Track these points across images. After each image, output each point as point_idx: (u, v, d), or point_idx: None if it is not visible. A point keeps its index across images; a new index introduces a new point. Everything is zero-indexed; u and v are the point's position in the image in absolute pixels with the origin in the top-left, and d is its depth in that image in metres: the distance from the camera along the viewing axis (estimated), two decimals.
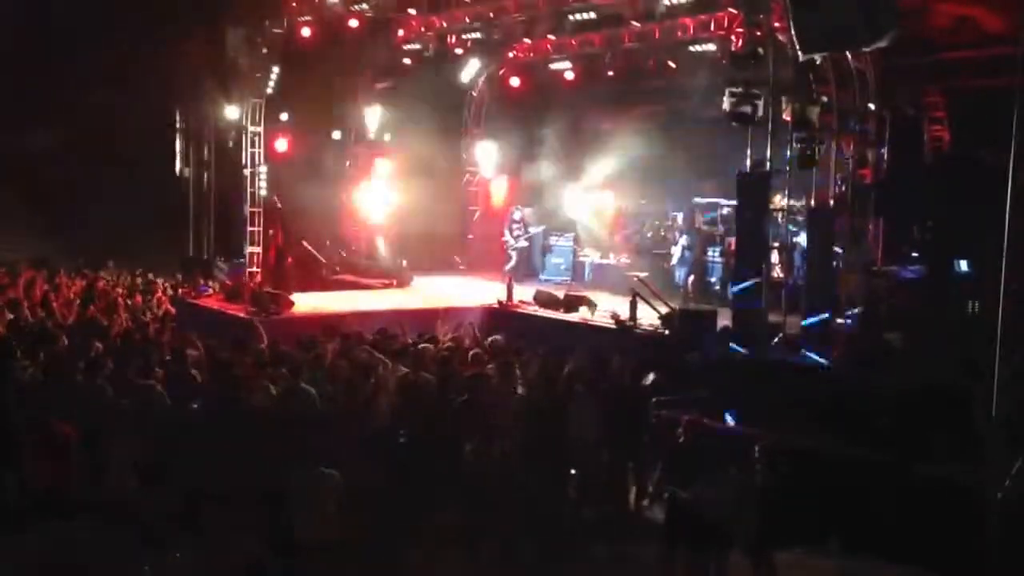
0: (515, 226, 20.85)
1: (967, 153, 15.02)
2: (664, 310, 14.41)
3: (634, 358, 11.33)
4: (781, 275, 15.63)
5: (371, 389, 9.78)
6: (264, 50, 17.20)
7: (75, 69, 19.44)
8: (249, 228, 17.41)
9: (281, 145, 17.80)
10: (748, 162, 13.87)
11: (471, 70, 20.95)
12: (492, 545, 8.14)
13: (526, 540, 8.14)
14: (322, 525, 7.56)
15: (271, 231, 17.86)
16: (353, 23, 18.37)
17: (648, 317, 14.46)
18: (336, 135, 21.12)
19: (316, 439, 8.04)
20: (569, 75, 20.07)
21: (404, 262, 19.73)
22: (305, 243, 19.64)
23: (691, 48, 17.06)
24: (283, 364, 10.07)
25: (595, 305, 15.79)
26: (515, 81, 21.10)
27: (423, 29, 19.40)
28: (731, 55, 14.76)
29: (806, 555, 8.35)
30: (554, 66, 20.07)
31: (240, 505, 8.52)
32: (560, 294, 16.37)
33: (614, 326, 14.51)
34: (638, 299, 14.64)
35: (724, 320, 13.69)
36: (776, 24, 13.56)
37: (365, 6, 18.22)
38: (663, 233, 20.14)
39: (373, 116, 20.21)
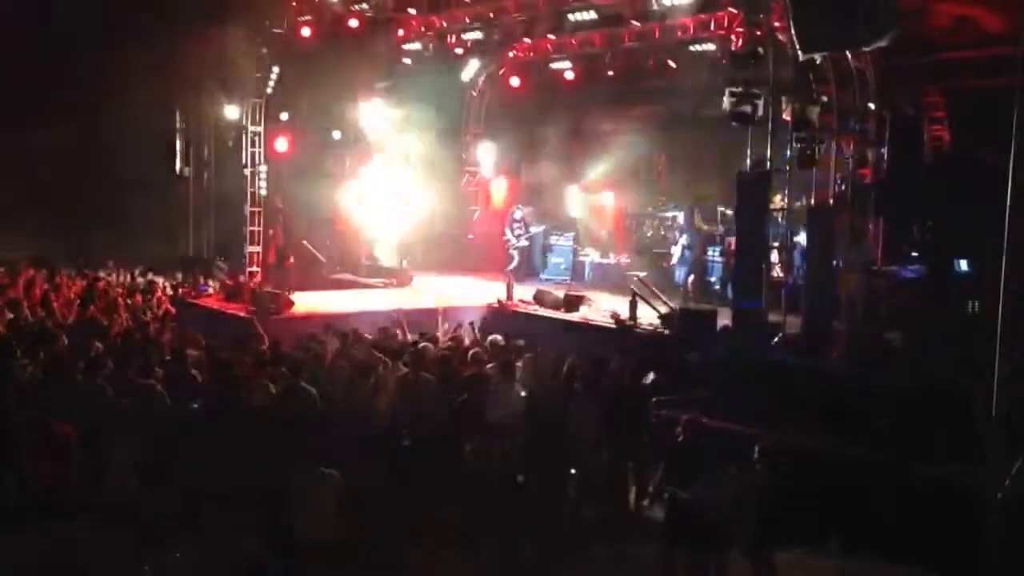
0: (516, 225, 20.86)
1: (967, 153, 15.02)
2: (664, 310, 14.41)
3: (634, 358, 11.34)
4: (781, 275, 15.64)
5: (371, 389, 9.79)
6: (264, 50, 17.19)
7: (75, 69, 19.43)
8: (249, 228, 17.39)
9: (281, 145, 17.79)
10: (748, 162, 13.88)
11: (471, 70, 20.95)
12: (492, 545, 8.14)
13: (526, 540, 8.14)
14: (322, 525, 7.56)
15: (271, 231, 17.85)
16: (353, 23, 18.36)
17: (648, 317, 14.46)
18: (336, 135, 21.13)
19: (316, 439, 8.04)
20: (569, 75, 20.07)
21: (404, 261, 19.73)
22: (306, 243, 19.65)
23: (691, 48, 17.06)
24: (283, 364, 10.07)
25: (595, 304, 15.82)
26: (515, 81, 21.09)
27: (423, 29, 19.39)
28: (731, 55, 14.77)
29: (806, 555, 8.35)
30: (554, 66, 20.07)
31: (240, 505, 8.52)
32: (560, 293, 16.37)
33: (614, 326, 14.51)
34: (638, 299, 14.65)
35: (724, 320, 13.70)
36: (776, 24, 13.57)
37: (365, 6, 18.20)
38: (663, 233, 20.14)
39: (373, 116, 20.19)
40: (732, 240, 16.25)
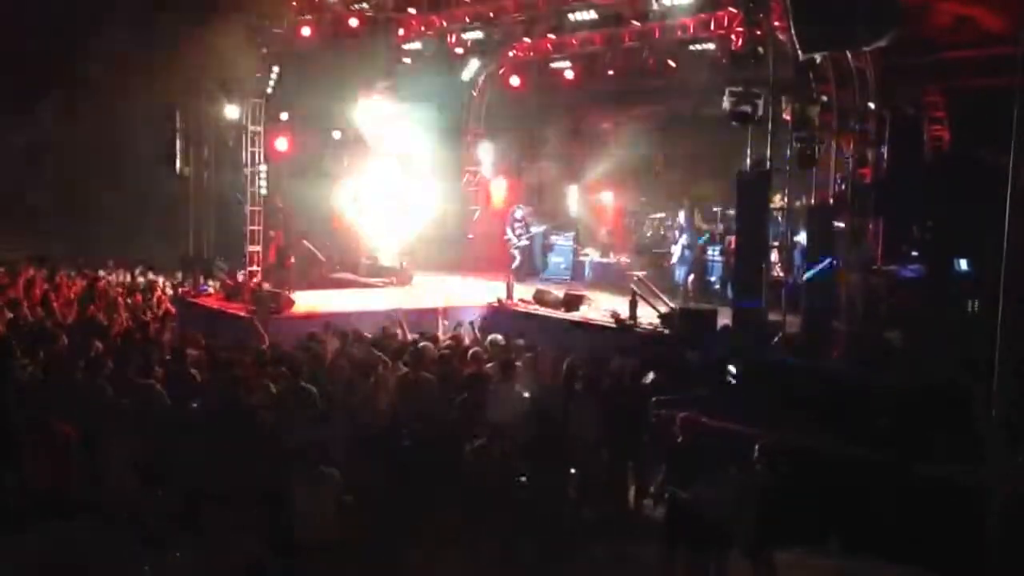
0: (517, 225, 20.88)
1: (967, 153, 15.03)
2: (664, 309, 14.41)
3: (634, 357, 11.34)
4: (781, 274, 15.66)
5: (371, 388, 9.78)
6: (264, 50, 17.17)
7: (75, 69, 19.43)
8: (249, 227, 17.39)
9: (281, 144, 17.78)
10: (748, 161, 13.89)
11: (471, 70, 20.94)
12: (492, 545, 8.13)
13: (526, 540, 8.14)
14: (322, 525, 7.56)
15: (271, 232, 17.83)
16: (353, 22, 18.37)
17: (648, 316, 14.47)
18: (336, 135, 21.12)
19: (316, 439, 8.04)
20: (569, 74, 20.07)
21: (404, 261, 19.73)
22: (306, 242, 19.65)
23: (691, 48, 17.07)
24: (283, 363, 10.07)
25: (595, 304, 15.83)
26: (515, 80, 21.08)
27: (423, 28, 19.40)
28: (731, 54, 14.80)
29: (806, 555, 8.35)
30: (554, 65, 20.07)
31: (240, 505, 8.52)
32: (560, 293, 16.38)
33: (614, 325, 14.52)
34: (638, 298, 14.65)
35: (724, 319, 13.70)
36: (776, 23, 13.58)
37: (365, 5, 18.22)
38: (663, 232, 20.15)
39: (373, 116, 20.19)
40: (732, 239, 16.27)
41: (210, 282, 18.32)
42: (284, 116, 18.63)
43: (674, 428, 8.33)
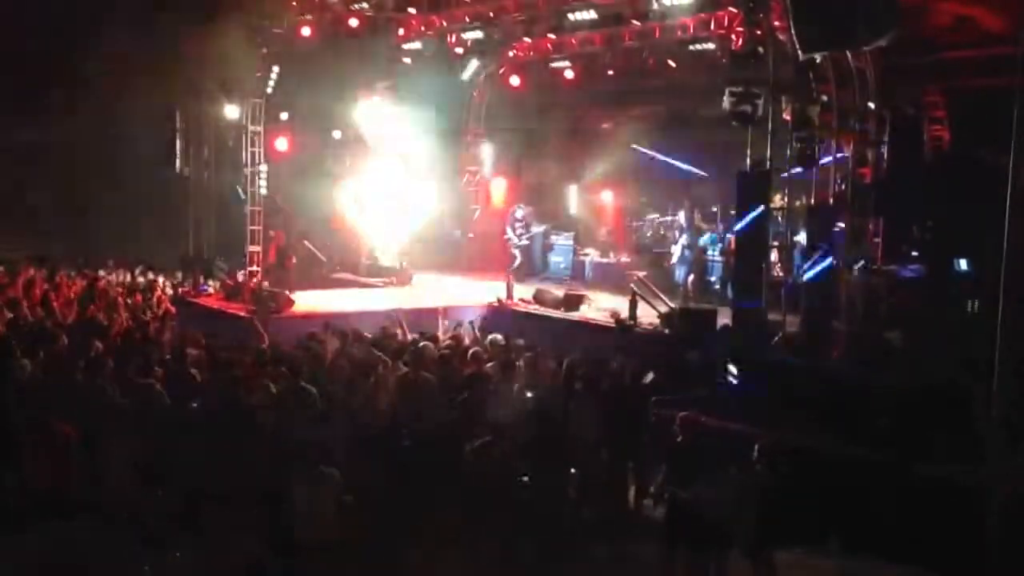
0: (517, 225, 20.89)
1: (967, 153, 15.03)
2: (664, 309, 14.41)
3: (634, 357, 11.34)
4: (781, 274, 15.64)
5: (371, 388, 9.78)
6: (264, 49, 17.18)
7: (74, 69, 19.43)
8: (249, 227, 17.39)
9: (281, 144, 17.79)
10: (748, 161, 13.88)
11: (471, 69, 20.95)
12: (492, 545, 8.13)
13: (526, 540, 8.14)
14: (322, 525, 7.56)
15: (271, 232, 17.84)
16: (353, 22, 18.37)
17: (648, 316, 14.47)
18: (336, 135, 21.13)
19: (316, 439, 8.04)
20: (569, 74, 20.07)
21: (404, 261, 19.74)
22: (306, 242, 19.65)
23: (691, 47, 17.07)
24: (283, 363, 10.06)
25: (595, 303, 15.84)
26: (515, 80, 21.09)
27: (423, 28, 19.39)
28: (731, 54, 14.78)
29: (806, 555, 8.35)
30: (554, 65, 20.07)
31: (240, 505, 8.52)
32: (560, 293, 16.38)
33: (614, 325, 14.52)
34: (638, 298, 14.65)
35: (724, 319, 13.70)
36: (776, 23, 13.58)
37: (365, 5, 18.21)
38: (663, 232, 20.15)
39: (373, 115, 20.20)
40: (732, 239, 16.26)
41: (210, 282, 18.32)
42: (284, 116, 18.65)
43: (674, 428, 8.33)
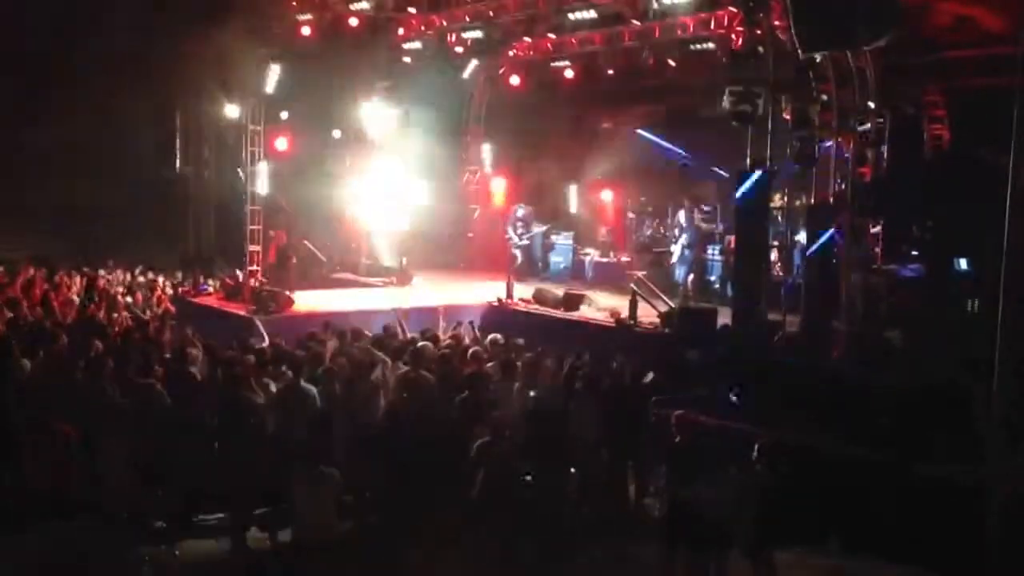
0: (518, 224, 20.90)
1: (967, 152, 15.03)
2: (664, 309, 14.42)
3: (634, 357, 11.34)
4: (781, 274, 15.65)
5: (371, 388, 9.78)
6: (264, 50, 17.17)
7: (75, 68, 19.43)
8: (249, 227, 17.40)
9: (281, 144, 17.77)
10: (748, 161, 13.88)
11: (471, 69, 20.95)
12: (492, 545, 8.13)
13: (526, 540, 8.14)
14: (322, 525, 7.56)
15: (272, 232, 17.85)
16: (353, 22, 18.34)
17: (648, 316, 14.47)
18: (336, 134, 21.12)
19: (316, 438, 8.04)
20: (569, 74, 20.06)
21: (404, 260, 19.73)
22: (306, 242, 19.65)
23: (691, 47, 17.06)
24: (283, 362, 10.06)
25: (595, 303, 15.84)
26: (515, 80, 21.06)
27: (423, 28, 19.38)
28: (731, 54, 14.77)
29: (806, 555, 8.35)
30: (554, 65, 20.07)
31: (240, 505, 8.53)
32: (560, 292, 16.38)
33: (614, 325, 14.52)
34: (638, 297, 14.65)
35: (724, 319, 13.70)
36: (776, 23, 13.59)
37: (365, 5, 18.17)
38: (663, 231, 20.15)
39: (373, 115, 20.19)
40: (731, 239, 16.27)
41: (210, 282, 18.32)
42: (284, 115, 18.64)
43: (670, 427, 8.33)
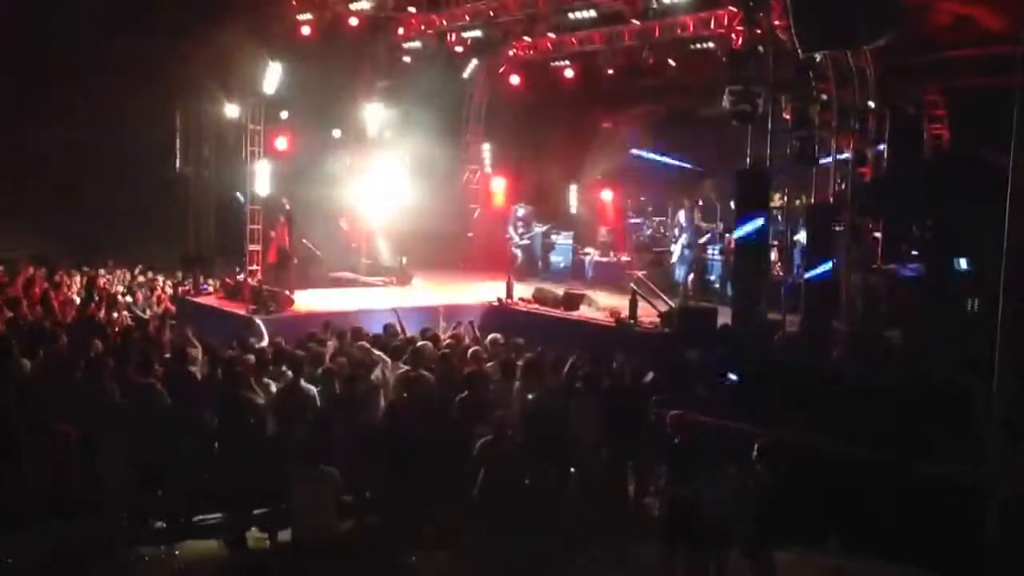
0: (519, 223, 20.90)
1: (967, 151, 15.03)
2: (664, 308, 14.42)
3: (634, 357, 11.33)
4: (781, 274, 15.65)
5: (371, 387, 9.78)
6: (264, 49, 17.16)
7: (75, 68, 19.42)
8: (249, 226, 17.39)
9: (281, 143, 17.76)
10: (748, 160, 13.89)
11: (471, 68, 20.94)
12: (492, 545, 8.14)
13: (526, 540, 8.14)
14: (322, 525, 7.56)
15: (272, 233, 17.84)
16: (353, 21, 18.36)
17: (648, 315, 14.46)
18: (336, 134, 21.12)
19: (316, 438, 8.04)
20: (569, 73, 20.07)
21: (404, 260, 19.73)
22: (306, 241, 19.64)
23: (691, 46, 17.06)
24: (283, 362, 10.06)
25: (595, 303, 15.84)
26: (515, 79, 21.08)
27: (423, 27, 19.39)
28: (731, 53, 14.77)
29: (806, 555, 8.35)
30: (554, 64, 20.06)
31: (240, 505, 8.53)
32: (560, 292, 16.38)
33: (614, 324, 14.51)
34: (638, 297, 14.65)
35: (724, 318, 13.69)
36: (776, 22, 13.59)
37: (365, 4, 18.17)
38: (663, 231, 20.16)
39: (373, 114, 20.20)
40: (732, 239, 16.26)
41: (210, 281, 18.32)
42: (284, 115, 18.64)
43: (667, 427, 8.32)
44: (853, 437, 9.43)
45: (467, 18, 18.73)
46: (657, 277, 16.98)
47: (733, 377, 11.17)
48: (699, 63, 17.18)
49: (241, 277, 17.01)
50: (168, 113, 18.99)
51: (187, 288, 18.00)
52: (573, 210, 22.28)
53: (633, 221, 21.25)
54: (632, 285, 15.40)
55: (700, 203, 18.52)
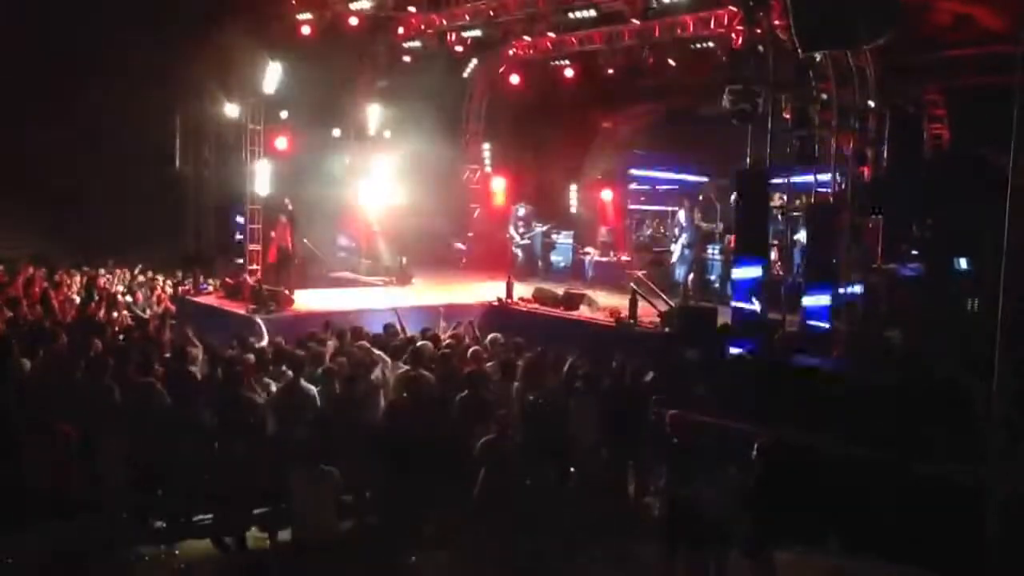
0: (519, 223, 20.91)
1: (966, 151, 15.03)
2: (664, 308, 14.41)
3: (634, 356, 11.33)
4: (781, 273, 15.64)
5: (370, 387, 9.78)
6: (264, 49, 17.17)
7: (75, 68, 19.42)
8: (249, 226, 17.39)
9: (281, 143, 17.78)
10: (748, 159, 13.88)
11: (471, 68, 20.94)
12: (492, 545, 8.14)
13: (526, 540, 8.14)
14: (322, 525, 7.56)
15: (272, 233, 17.86)
16: (353, 21, 18.35)
17: (648, 315, 14.46)
18: (336, 133, 21.13)
19: (316, 438, 8.04)
20: (569, 73, 20.07)
21: (404, 260, 19.74)
22: (306, 241, 19.64)
23: (691, 46, 17.06)
24: (283, 362, 10.06)
25: (595, 302, 15.84)
26: (515, 79, 21.09)
27: (423, 27, 19.39)
28: (731, 53, 14.77)
29: (806, 555, 8.35)
30: (554, 64, 20.06)
31: (240, 505, 8.53)
32: (560, 292, 16.38)
33: (614, 324, 14.51)
34: (638, 297, 14.65)
35: (724, 318, 13.68)
36: (776, 22, 13.57)
37: (365, 4, 18.18)
38: (663, 231, 20.16)
39: (373, 114, 20.21)
40: (731, 239, 16.26)
41: (210, 281, 18.32)
42: (284, 115, 18.65)
43: (666, 426, 8.32)
44: (853, 437, 9.43)
45: (467, 18, 18.73)
46: (657, 277, 16.98)
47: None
48: (699, 63, 17.17)
49: (241, 277, 16.98)
50: (168, 113, 19.02)
51: (187, 288, 18.00)
52: (573, 210, 22.29)
53: (632, 221, 21.25)
54: (632, 285, 15.40)
55: (700, 201, 18.51)
